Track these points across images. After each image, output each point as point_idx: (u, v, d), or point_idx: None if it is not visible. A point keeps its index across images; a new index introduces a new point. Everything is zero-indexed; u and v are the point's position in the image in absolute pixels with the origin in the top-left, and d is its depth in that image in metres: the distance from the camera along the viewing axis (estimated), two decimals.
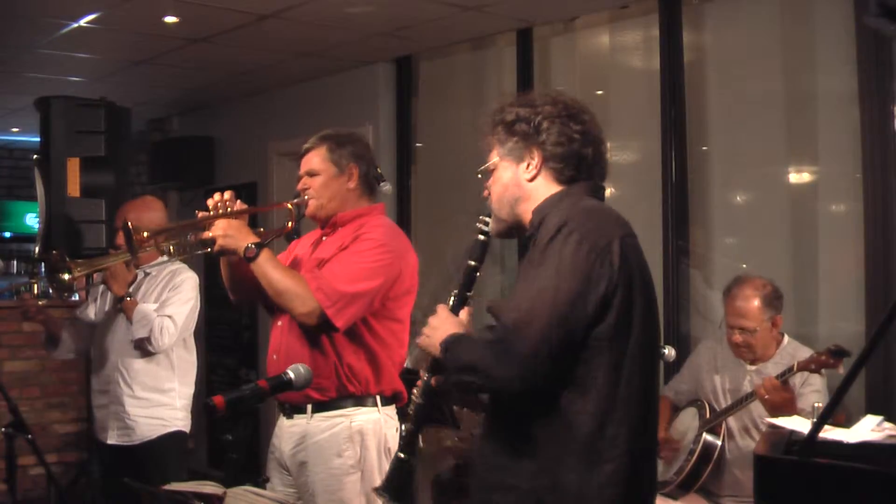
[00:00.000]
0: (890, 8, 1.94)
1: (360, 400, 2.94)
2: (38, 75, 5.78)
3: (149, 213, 3.87)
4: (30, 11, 4.52)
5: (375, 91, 5.66)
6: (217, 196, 2.95)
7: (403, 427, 2.34)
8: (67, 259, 3.54)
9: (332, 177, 3.03)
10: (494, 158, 2.15)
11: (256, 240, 2.89)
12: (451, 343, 2.05)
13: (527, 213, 2.12)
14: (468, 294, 2.20)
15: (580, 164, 2.09)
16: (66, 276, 3.49)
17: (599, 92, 4.81)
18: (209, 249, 2.93)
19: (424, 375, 2.26)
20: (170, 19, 4.67)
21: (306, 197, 3.04)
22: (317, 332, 2.88)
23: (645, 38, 4.56)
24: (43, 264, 3.82)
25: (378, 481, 2.97)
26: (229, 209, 2.93)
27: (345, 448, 2.93)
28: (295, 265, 3.08)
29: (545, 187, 2.10)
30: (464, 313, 2.19)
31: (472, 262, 2.20)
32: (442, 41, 5.27)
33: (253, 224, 3.05)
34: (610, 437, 1.93)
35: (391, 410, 3.04)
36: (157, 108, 7.12)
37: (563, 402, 1.93)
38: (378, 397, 2.97)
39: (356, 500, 2.95)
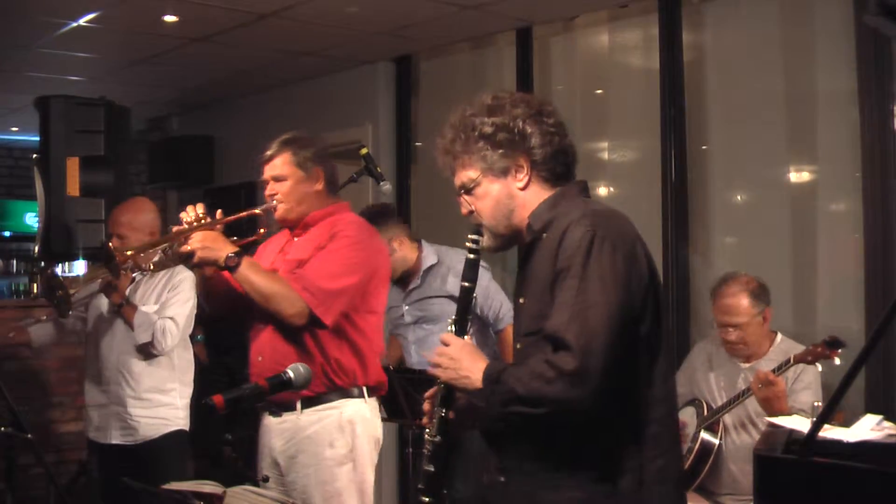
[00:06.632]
0: (889, 7, 1.94)
1: (346, 392, 2.98)
2: (37, 74, 5.78)
3: (141, 216, 3.84)
4: (29, 11, 4.52)
5: (375, 91, 5.66)
6: (190, 210, 2.95)
7: (424, 468, 2.12)
8: (60, 277, 3.50)
9: (299, 181, 3.05)
10: (471, 174, 2.06)
11: (235, 249, 2.88)
12: (499, 374, 1.93)
13: (524, 221, 2.07)
14: (468, 317, 2.13)
15: (567, 158, 2.09)
16: (60, 293, 3.45)
17: (599, 91, 4.81)
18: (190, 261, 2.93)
19: (435, 409, 2.08)
20: (169, 18, 4.67)
21: (274, 202, 3.05)
22: (302, 330, 2.91)
23: (644, 37, 4.56)
24: (41, 287, 3.79)
25: (369, 472, 3.03)
26: (203, 222, 2.93)
27: (336, 438, 2.96)
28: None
29: (539, 192, 2.07)
30: (467, 338, 2.09)
31: (467, 284, 2.12)
32: (442, 40, 5.27)
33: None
34: (653, 436, 1.95)
35: (374, 402, 3.09)
36: (157, 108, 7.12)
37: (616, 408, 1.91)
38: (364, 388, 3.02)
39: (349, 489, 2.97)
